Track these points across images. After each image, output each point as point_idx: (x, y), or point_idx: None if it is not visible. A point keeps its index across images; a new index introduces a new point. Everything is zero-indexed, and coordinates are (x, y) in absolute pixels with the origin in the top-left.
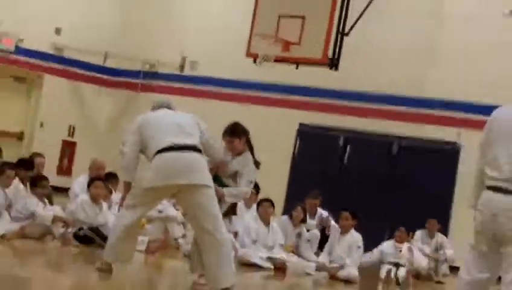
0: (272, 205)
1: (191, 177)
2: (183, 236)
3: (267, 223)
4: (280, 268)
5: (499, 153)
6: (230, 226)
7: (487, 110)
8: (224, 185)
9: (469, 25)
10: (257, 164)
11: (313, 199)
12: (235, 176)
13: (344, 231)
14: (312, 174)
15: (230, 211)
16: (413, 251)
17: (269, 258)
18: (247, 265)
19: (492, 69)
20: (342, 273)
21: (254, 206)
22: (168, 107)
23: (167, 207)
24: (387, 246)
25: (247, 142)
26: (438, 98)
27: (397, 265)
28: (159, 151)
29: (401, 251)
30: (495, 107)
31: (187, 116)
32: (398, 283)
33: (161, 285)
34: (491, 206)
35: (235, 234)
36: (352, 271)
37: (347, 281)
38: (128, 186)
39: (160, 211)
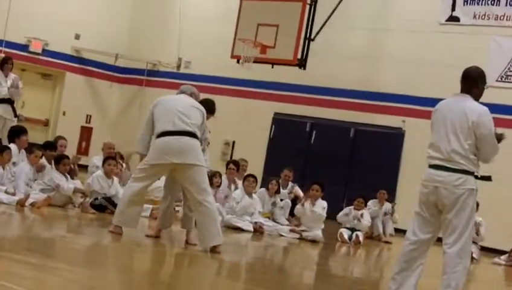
0: (256, 180)
1: (184, 157)
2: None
3: (250, 194)
4: (259, 231)
5: (440, 138)
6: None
7: (426, 102)
8: None
9: (410, 33)
10: None
11: (288, 172)
12: None
13: (313, 199)
14: (285, 153)
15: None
16: (367, 216)
17: (250, 223)
18: (233, 228)
19: (430, 68)
20: (309, 235)
21: (236, 179)
22: (188, 93)
23: None
24: (347, 210)
25: None
26: (386, 92)
27: (353, 229)
28: (161, 134)
29: (359, 218)
30: (432, 99)
31: (195, 106)
32: (356, 243)
33: (161, 243)
34: (433, 181)
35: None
36: (317, 233)
37: (313, 241)
38: (141, 157)
39: None
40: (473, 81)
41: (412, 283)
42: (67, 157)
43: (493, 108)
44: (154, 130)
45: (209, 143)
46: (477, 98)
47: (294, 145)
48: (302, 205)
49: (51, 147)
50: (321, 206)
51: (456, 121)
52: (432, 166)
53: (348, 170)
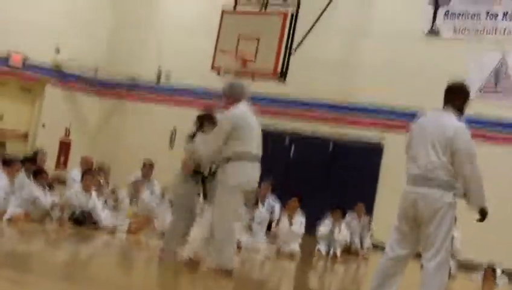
0: None
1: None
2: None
3: None
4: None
5: (419, 152)
6: None
7: (405, 116)
8: None
9: (391, 47)
10: None
11: (266, 185)
12: None
13: (292, 212)
14: (264, 167)
15: None
16: (345, 230)
17: None
18: None
19: (410, 82)
20: (286, 249)
21: None
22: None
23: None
24: (325, 224)
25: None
26: (365, 106)
27: (330, 244)
28: (248, 157)
29: (335, 230)
30: (411, 113)
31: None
32: (334, 258)
33: (139, 258)
34: (412, 194)
35: None
36: (294, 247)
37: (290, 255)
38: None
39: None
40: (455, 96)
41: None
42: (45, 171)
43: (471, 121)
44: (233, 147)
45: None
46: (459, 112)
47: (273, 160)
48: (277, 224)
49: (30, 161)
50: (298, 222)
51: (435, 136)
52: (410, 180)
53: (327, 184)
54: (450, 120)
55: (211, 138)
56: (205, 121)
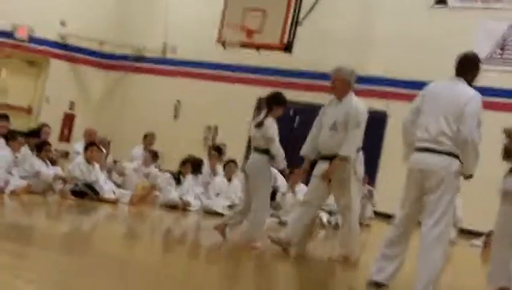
0: (236, 165)
1: None
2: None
3: (229, 179)
4: None
5: (429, 120)
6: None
7: (409, 85)
8: None
9: (398, 17)
10: None
11: None
12: None
13: (294, 182)
14: None
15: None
16: None
17: (230, 207)
18: (212, 213)
19: (418, 52)
20: (288, 219)
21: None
22: None
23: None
24: None
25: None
26: (372, 75)
27: (330, 212)
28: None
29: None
30: (416, 82)
31: None
32: (335, 228)
33: (141, 229)
34: (420, 163)
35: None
36: None
37: None
38: None
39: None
40: (468, 67)
41: (393, 269)
42: (49, 144)
43: (478, 90)
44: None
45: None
46: (470, 83)
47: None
48: (283, 194)
49: (34, 135)
50: (302, 191)
51: (449, 105)
52: (418, 149)
53: None
54: (465, 89)
55: (354, 136)
56: (274, 105)
